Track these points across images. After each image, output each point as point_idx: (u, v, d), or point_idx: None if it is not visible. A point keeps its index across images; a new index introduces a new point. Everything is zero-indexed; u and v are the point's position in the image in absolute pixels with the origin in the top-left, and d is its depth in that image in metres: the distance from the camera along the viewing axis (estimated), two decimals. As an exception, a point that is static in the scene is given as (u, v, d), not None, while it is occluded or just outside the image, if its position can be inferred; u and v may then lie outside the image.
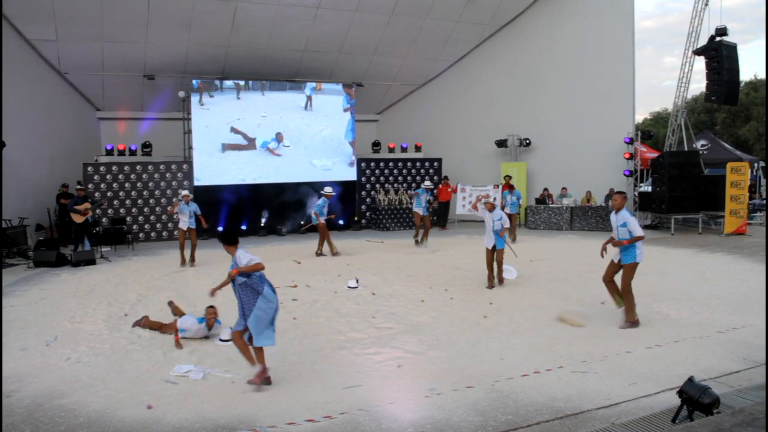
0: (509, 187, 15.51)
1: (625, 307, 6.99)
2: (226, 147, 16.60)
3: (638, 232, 6.85)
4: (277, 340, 6.61)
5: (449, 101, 20.40)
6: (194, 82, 16.42)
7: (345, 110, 18.14)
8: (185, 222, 11.79)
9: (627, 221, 6.90)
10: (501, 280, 9.37)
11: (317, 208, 13.09)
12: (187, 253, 11.94)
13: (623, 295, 7.00)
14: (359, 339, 6.66)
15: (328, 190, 13.37)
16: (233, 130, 16.59)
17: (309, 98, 17.59)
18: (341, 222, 18.20)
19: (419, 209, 14.08)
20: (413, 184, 19.06)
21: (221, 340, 6.62)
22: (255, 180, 16.95)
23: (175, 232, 15.90)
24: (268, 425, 4.45)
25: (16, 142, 13.65)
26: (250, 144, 16.85)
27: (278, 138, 17.11)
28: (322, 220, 12.97)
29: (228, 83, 16.79)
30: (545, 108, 18.55)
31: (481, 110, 19.73)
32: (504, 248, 9.33)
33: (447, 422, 4.45)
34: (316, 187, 17.71)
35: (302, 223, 16.66)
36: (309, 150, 17.55)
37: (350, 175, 18.25)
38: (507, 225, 9.37)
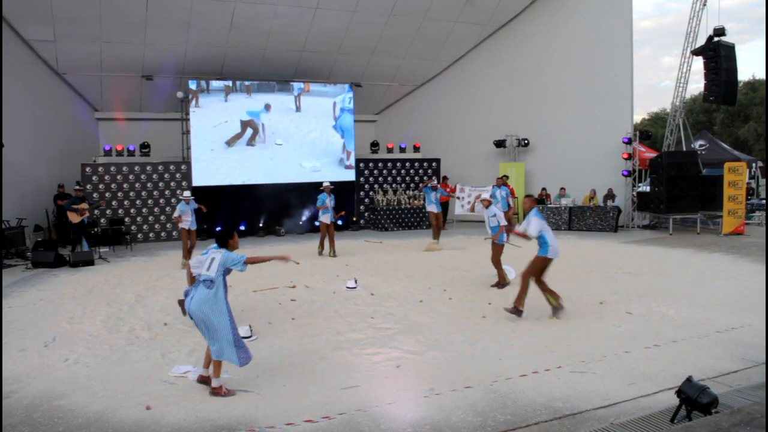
0: (503, 184, 15.58)
1: (518, 293, 7.33)
2: (231, 140, 16.70)
3: (529, 232, 7.37)
4: (276, 340, 6.67)
5: (448, 102, 20.41)
6: (191, 82, 16.39)
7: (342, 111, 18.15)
8: (187, 222, 11.82)
9: (529, 221, 7.46)
10: (501, 282, 9.32)
11: (319, 202, 12.95)
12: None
13: (522, 279, 7.41)
14: (358, 339, 6.66)
15: (326, 183, 13.27)
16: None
17: (297, 98, 17.49)
18: (340, 222, 18.19)
19: (432, 207, 13.96)
20: (412, 185, 19.07)
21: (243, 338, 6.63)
22: (249, 181, 16.90)
23: (174, 233, 15.94)
24: (266, 426, 4.45)
25: (15, 143, 13.63)
26: (254, 131, 16.82)
27: (267, 108, 17.01)
28: (326, 219, 12.85)
29: (215, 85, 16.60)
30: (544, 108, 18.56)
31: (479, 110, 19.74)
32: (503, 245, 9.34)
33: (446, 422, 4.45)
34: (309, 188, 17.73)
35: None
36: (299, 151, 17.47)
37: (345, 175, 18.20)
38: (503, 222, 9.34)
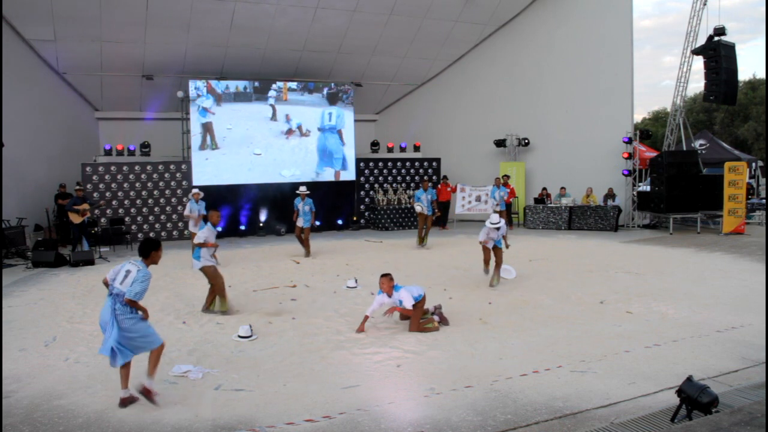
0: (503, 184, 15.55)
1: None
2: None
3: (406, 305, 6.93)
4: (277, 340, 6.67)
5: (448, 101, 20.41)
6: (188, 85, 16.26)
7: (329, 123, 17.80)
8: (195, 225, 11.82)
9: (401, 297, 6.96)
10: (495, 278, 9.38)
11: (295, 206, 12.94)
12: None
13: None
14: (358, 339, 6.66)
15: (302, 189, 13.12)
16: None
17: (273, 107, 17.04)
18: (340, 221, 18.20)
19: (423, 209, 13.98)
20: (412, 184, 19.05)
21: (240, 336, 6.64)
22: (249, 180, 16.82)
23: (175, 233, 15.96)
24: (267, 425, 4.45)
25: (15, 143, 13.64)
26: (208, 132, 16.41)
27: (206, 110, 16.34)
28: (299, 223, 12.77)
29: (192, 95, 16.17)
30: (544, 108, 18.56)
31: (479, 110, 19.74)
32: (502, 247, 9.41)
33: (446, 422, 4.45)
34: (311, 187, 17.68)
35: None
36: (278, 160, 17.11)
37: (345, 175, 18.13)
38: (504, 233, 9.41)
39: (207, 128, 16.33)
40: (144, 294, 4.80)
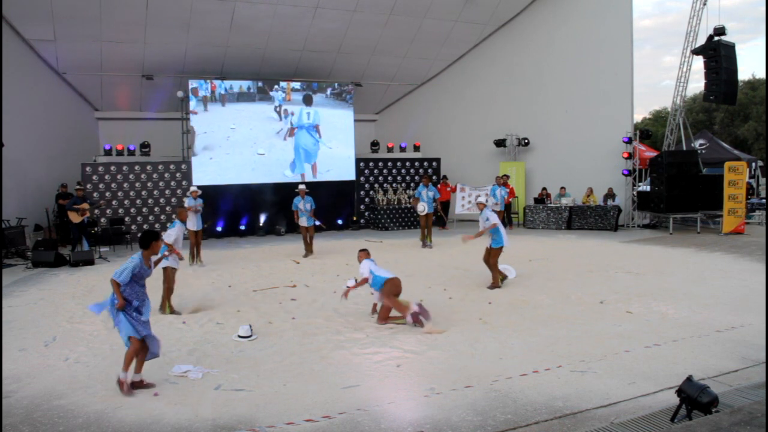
0: (503, 183, 15.59)
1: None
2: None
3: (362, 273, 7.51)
4: (277, 340, 6.68)
5: (448, 101, 20.41)
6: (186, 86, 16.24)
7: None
8: (193, 223, 11.66)
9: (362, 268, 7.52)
10: (494, 284, 9.18)
11: (293, 206, 12.95)
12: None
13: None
14: (358, 339, 6.66)
15: (301, 187, 13.14)
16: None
17: (278, 108, 17.04)
18: (340, 221, 18.20)
19: (424, 208, 13.96)
20: (412, 184, 19.05)
21: (240, 336, 6.64)
22: (249, 180, 16.79)
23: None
24: (266, 425, 4.45)
25: (15, 143, 13.64)
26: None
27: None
28: (302, 222, 12.81)
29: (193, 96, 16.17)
30: (544, 107, 18.56)
31: (479, 110, 19.74)
32: (499, 248, 9.14)
33: (446, 422, 4.45)
34: (312, 186, 17.68)
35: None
36: (281, 160, 17.12)
37: (345, 175, 18.14)
38: (495, 221, 9.08)
39: (191, 132, 16.36)
40: (126, 275, 5.15)
